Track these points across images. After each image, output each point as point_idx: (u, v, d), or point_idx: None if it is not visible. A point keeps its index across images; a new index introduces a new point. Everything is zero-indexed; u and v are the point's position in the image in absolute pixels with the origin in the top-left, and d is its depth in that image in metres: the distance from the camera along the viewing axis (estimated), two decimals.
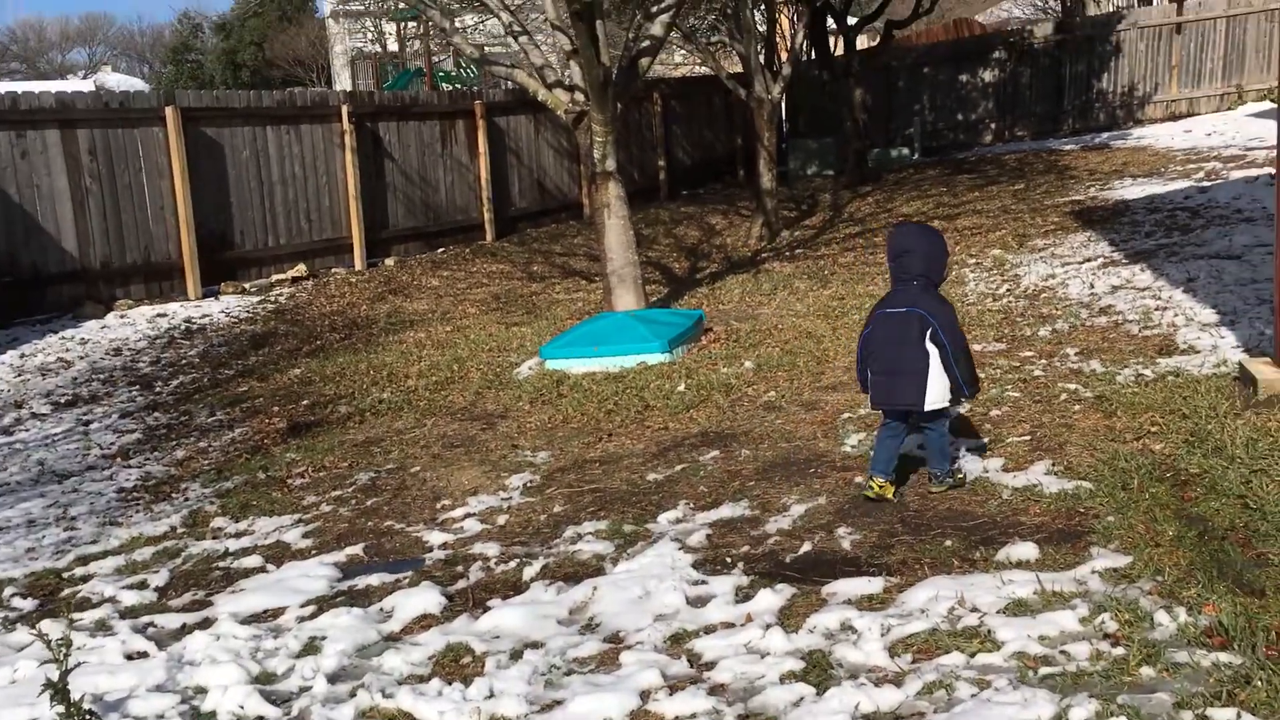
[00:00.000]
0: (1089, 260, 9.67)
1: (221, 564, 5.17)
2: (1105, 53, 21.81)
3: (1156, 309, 7.58)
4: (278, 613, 4.52)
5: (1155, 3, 27.10)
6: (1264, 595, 3.51)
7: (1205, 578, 3.68)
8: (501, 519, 5.33)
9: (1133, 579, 3.77)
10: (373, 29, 31.30)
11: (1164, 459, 4.85)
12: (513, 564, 4.74)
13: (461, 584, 4.62)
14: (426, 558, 4.98)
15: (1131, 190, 13.43)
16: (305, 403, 8.01)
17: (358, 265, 13.66)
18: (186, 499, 6.22)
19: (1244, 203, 11.21)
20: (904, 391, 4.87)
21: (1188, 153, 16.25)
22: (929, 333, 4.82)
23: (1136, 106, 21.74)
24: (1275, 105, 5.11)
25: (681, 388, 7.11)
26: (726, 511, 5.03)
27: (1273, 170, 11.92)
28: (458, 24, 24.86)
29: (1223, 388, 5.66)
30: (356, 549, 5.16)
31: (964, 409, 5.80)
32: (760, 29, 18.86)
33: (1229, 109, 20.92)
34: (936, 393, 4.82)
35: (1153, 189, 13.20)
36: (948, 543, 4.35)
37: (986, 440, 5.51)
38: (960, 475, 5.02)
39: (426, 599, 4.41)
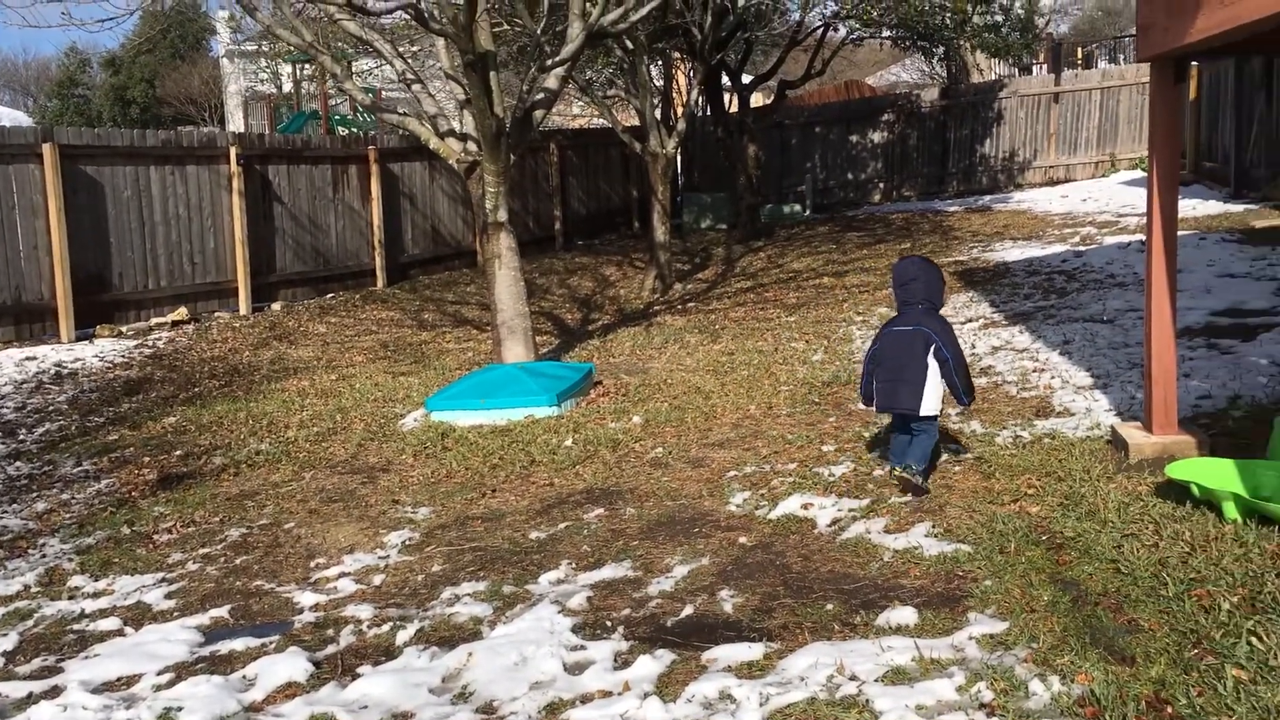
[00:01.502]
0: (971, 320, 9.90)
1: (76, 626, 4.89)
2: (988, 119, 22.62)
3: (1034, 371, 7.76)
4: (132, 680, 4.28)
5: (1035, 72, 28.24)
6: (1134, 663, 3.55)
7: (1078, 645, 3.71)
8: (377, 579, 5.16)
9: (1009, 645, 3.79)
10: (268, 69, 30.83)
11: (1040, 522, 4.92)
12: (386, 627, 4.58)
13: (331, 649, 4.43)
14: (296, 620, 4.78)
15: (1012, 252, 13.85)
16: (178, 453, 7.70)
17: (242, 310, 13.30)
18: (44, 555, 5.89)
19: (1117, 268, 11.64)
20: (904, 398, 5.56)
21: (1065, 217, 16.86)
22: (932, 349, 5.51)
23: (1017, 171, 22.55)
24: (1146, 174, 5.35)
25: (569, 442, 7.03)
26: (609, 572, 4.94)
27: (1144, 237, 12.42)
28: (355, 67, 24.64)
29: (1096, 451, 5.79)
30: (222, 611, 4.93)
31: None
32: (657, 84, 19.11)
33: (1103, 176, 21.84)
34: (931, 401, 5.53)
35: (1032, 252, 13.64)
36: (829, 606, 4.33)
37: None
38: (927, 481, 5.56)
39: (292, 665, 4.22)
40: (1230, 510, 4.56)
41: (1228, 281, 10.08)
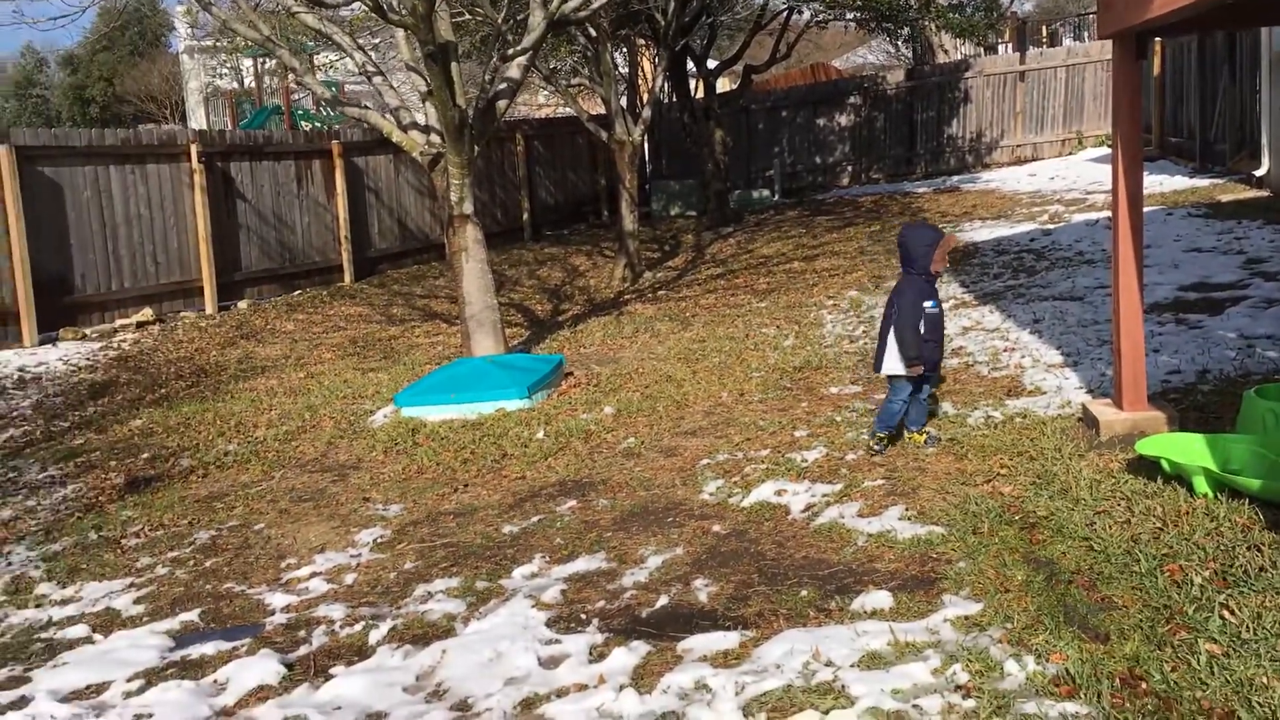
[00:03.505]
0: (941, 301, 9.89)
1: (44, 635, 4.82)
2: (954, 99, 22.66)
3: (1005, 350, 7.77)
4: (102, 688, 4.22)
5: (1001, 51, 28.33)
6: (1108, 640, 3.56)
7: (1052, 624, 3.71)
8: (349, 578, 5.11)
9: (983, 627, 3.78)
10: (229, 65, 30.52)
11: (1013, 502, 4.92)
12: (359, 626, 4.53)
13: (303, 650, 4.39)
14: (267, 622, 4.72)
15: (980, 232, 13.88)
16: (145, 456, 7.60)
17: (208, 309, 13.16)
18: (9, 564, 5.80)
19: (1085, 245, 11.68)
20: (876, 357, 6.04)
21: (1032, 196, 16.92)
22: (892, 313, 5.89)
23: (984, 151, 22.61)
24: (1112, 150, 5.41)
25: (540, 435, 6.99)
26: (582, 565, 4.91)
27: (1111, 214, 12.46)
28: (318, 60, 24.37)
29: (1067, 429, 5.80)
30: (192, 615, 4.87)
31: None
32: (622, 71, 19.03)
33: (1070, 154, 21.93)
34: (890, 363, 5.88)
35: (1000, 231, 13.66)
36: (803, 593, 4.32)
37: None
38: (883, 442, 5.89)
39: (264, 668, 4.17)
40: (1201, 485, 4.57)
41: (1195, 256, 10.13)
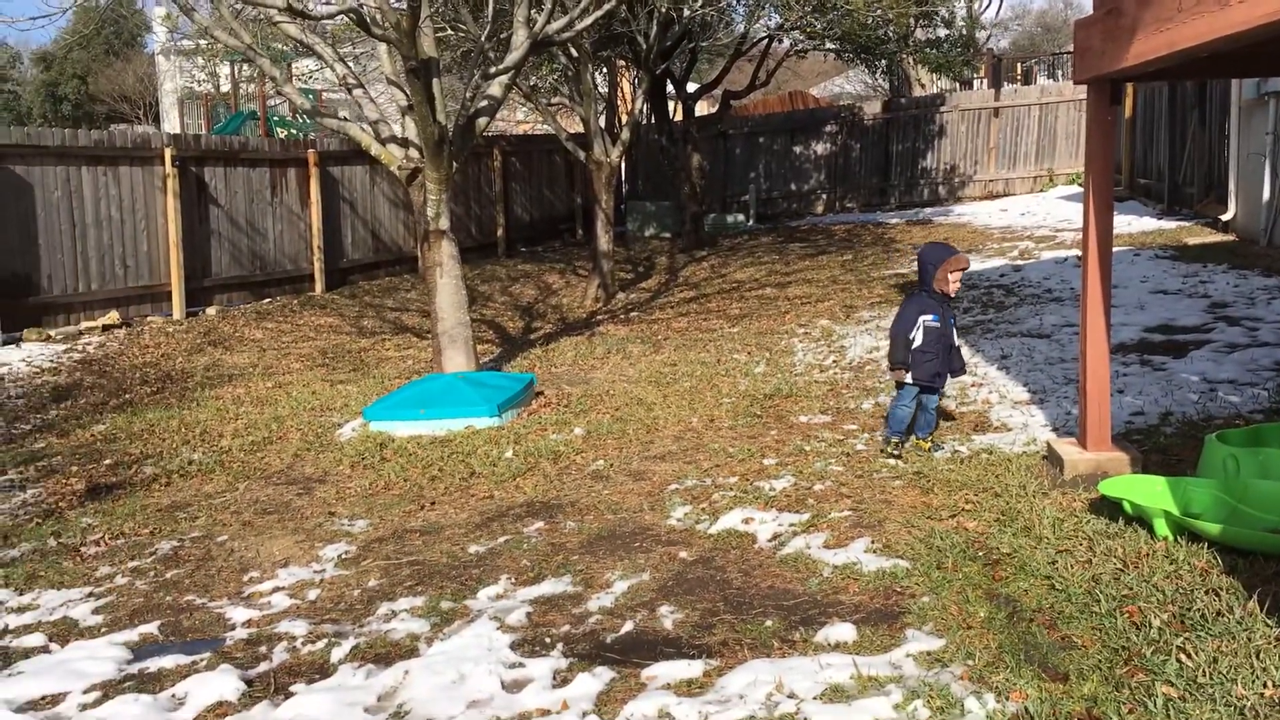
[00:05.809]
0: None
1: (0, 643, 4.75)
2: (930, 132, 22.90)
3: (973, 385, 7.85)
4: (58, 699, 4.16)
5: (976, 86, 28.67)
6: (1067, 680, 3.59)
7: (1013, 661, 3.74)
8: (312, 593, 5.07)
9: (945, 663, 3.81)
10: (205, 68, 30.34)
11: (977, 537, 4.96)
12: (321, 644, 4.50)
13: (264, 666, 4.35)
14: (228, 637, 4.68)
15: None
16: (108, 462, 7.52)
17: (176, 314, 13.05)
18: None
19: (1054, 282, 11.82)
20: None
21: (1004, 231, 17.11)
22: None
23: (958, 185, 22.85)
24: (1082, 190, 5.53)
25: (509, 454, 6.98)
26: (549, 588, 4.91)
27: (1080, 252, 12.61)
28: (297, 68, 24.28)
29: (1032, 466, 5.86)
30: (151, 627, 4.82)
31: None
32: (602, 91, 19.11)
33: (1041, 190, 22.20)
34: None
35: (971, 265, 13.79)
36: (768, 623, 4.33)
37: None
38: (895, 448, 6.29)
39: (223, 684, 4.13)
40: (1161, 527, 4.64)
41: (1161, 298, 10.28)
